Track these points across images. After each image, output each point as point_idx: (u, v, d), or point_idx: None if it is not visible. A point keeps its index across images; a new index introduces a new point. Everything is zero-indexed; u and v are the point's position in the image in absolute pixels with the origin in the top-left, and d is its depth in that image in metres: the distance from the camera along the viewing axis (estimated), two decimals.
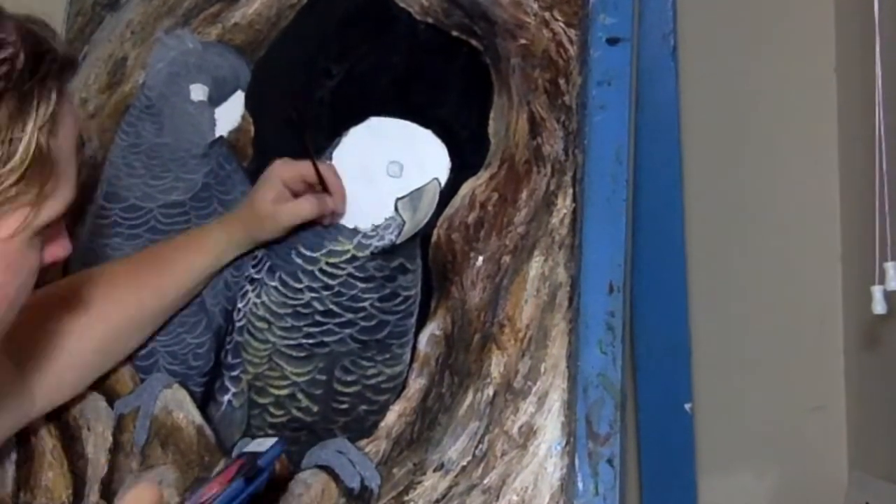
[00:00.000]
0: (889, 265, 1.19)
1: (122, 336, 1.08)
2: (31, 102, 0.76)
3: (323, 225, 1.08)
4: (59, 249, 0.87)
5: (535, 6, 1.09)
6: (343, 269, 1.06)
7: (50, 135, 0.78)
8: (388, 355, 1.04)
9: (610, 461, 0.91)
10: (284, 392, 1.05)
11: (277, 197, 1.06)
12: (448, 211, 1.06)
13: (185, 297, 1.10)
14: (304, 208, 1.05)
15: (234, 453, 0.96)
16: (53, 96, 0.78)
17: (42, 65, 0.77)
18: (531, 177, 1.04)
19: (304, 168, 1.06)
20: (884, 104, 1.23)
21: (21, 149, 0.76)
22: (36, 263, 0.83)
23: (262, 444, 0.92)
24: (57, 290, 1.04)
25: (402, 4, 1.14)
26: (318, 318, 1.06)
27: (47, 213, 0.81)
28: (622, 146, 1.01)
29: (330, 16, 1.18)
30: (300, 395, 1.05)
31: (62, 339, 1.02)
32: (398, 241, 1.06)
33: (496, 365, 0.98)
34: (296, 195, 1.06)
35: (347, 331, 1.05)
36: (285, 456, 1.01)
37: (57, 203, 0.82)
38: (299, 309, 1.06)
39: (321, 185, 1.06)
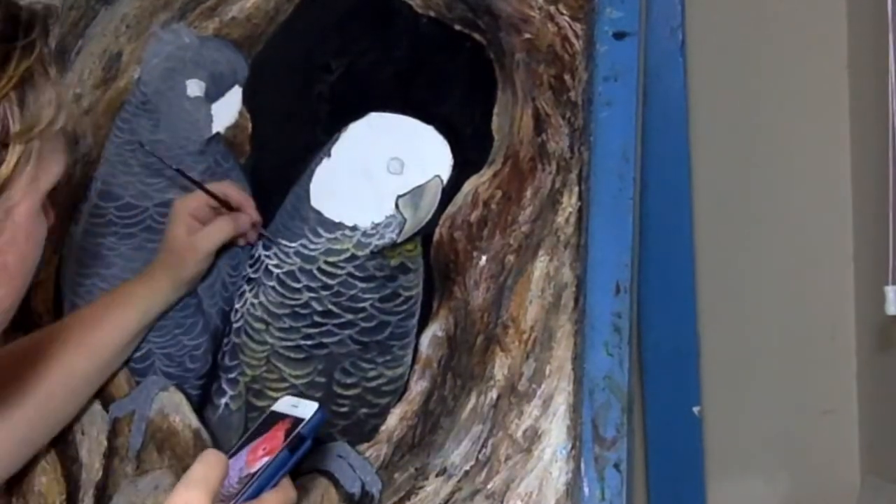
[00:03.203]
0: None
1: (54, 405, 1.06)
2: (9, 65, 0.75)
3: (249, 242, 1.11)
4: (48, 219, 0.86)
5: (541, 0, 1.09)
6: (342, 268, 1.05)
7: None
8: (388, 357, 1.04)
9: (617, 466, 0.91)
10: (283, 395, 1.04)
11: (189, 230, 1.08)
12: (450, 209, 1.06)
13: (119, 355, 1.10)
14: (219, 229, 1.08)
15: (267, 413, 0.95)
16: (32, 57, 0.76)
17: (17, 27, 0.75)
18: (536, 174, 1.04)
19: (202, 196, 1.09)
20: None
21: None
22: (45, 233, 0.83)
23: (299, 407, 0.91)
24: None
25: None
26: (316, 318, 1.05)
27: (47, 179, 0.81)
28: (629, 143, 1.01)
29: (329, 9, 1.18)
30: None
31: None
32: (399, 240, 1.05)
33: (500, 367, 0.98)
34: (205, 224, 1.09)
35: (347, 332, 1.05)
36: None
37: (57, 167, 0.81)
38: (298, 309, 1.06)
39: (226, 206, 1.09)
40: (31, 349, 1.05)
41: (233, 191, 1.10)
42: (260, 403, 1.06)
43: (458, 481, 0.96)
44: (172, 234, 1.09)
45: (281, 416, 0.91)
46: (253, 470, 0.86)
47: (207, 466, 0.82)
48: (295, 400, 0.92)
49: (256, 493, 0.85)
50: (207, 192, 1.09)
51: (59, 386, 1.05)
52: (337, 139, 1.09)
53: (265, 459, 0.86)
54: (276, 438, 0.88)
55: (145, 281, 1.09)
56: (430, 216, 1.05)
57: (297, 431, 0.88)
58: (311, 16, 1.18)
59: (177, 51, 1.18)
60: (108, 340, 1.07)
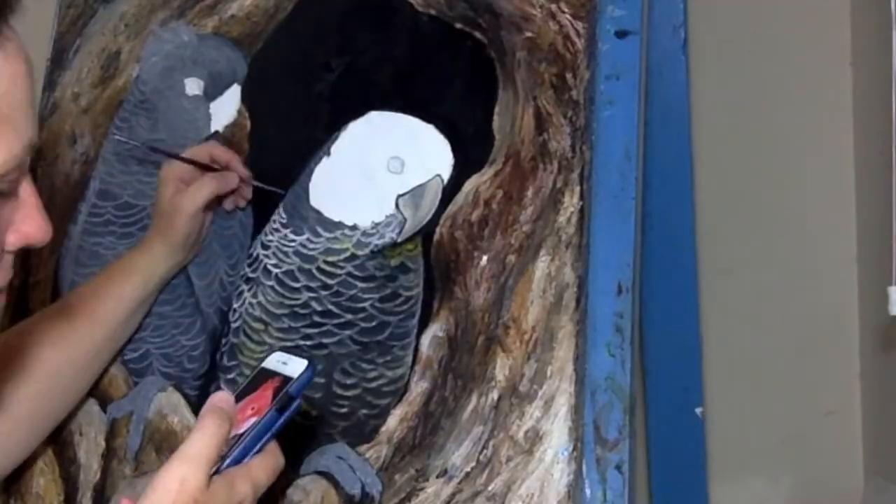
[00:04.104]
0: None
1: (63, 382, 1.06)
2: None
3: (239, 207, 1.11)
4: (32, 230, 0.76)
5: None
6: (342, 267, 1.05)
7: None
8: (389, 357, 1.04)
9: (619, 467, 0.91)
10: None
11: (175, 191, 1.08)
12: (451, 209, 1.05)
13: (124, 326, 1.09)
14: (201, 186, 1.08)
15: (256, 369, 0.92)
16: None
17: None
18: (537, 174, 1.03)
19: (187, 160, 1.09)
20: None
21: None
22: None
23: (289, 364, 0.87)
24: None
25: None
26: (316, 318, 1.05)
27: None
28: (631, 142, 1.01)
29: (329, 7, 1.17)
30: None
31: None
32: (399, 240, 1.05)
33: (501, 368, 0.98)
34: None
35: (347, 332, 1.04)
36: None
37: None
38: (297, 309, 1.05)
39: (208, 168, 1.09)
40: (36, 327, 1.05)
41: (218, 150, 1.10)
42: None
43: (459, 483, 0.96)
44: (160, 198, 1.08)
45: (270, 374, 0.87)
46: (240, 431, 0.83)
47: (207, 438, 0.79)
48: (285, 356, 0.88)
49: (243, 455, 0.82)
50: (186, 160, 1.09)
51: (66, 362, 1.05)
52: (337, 138, 1.09)
53: (253, 420, 0.83)
54: (264, 398, 0.85)
55: (142, 249, 1.09)
56: (430, 216, 1.05)
57: (285, 390, 0.85)
58: (310, 14, 1.18)
59: (176, 49, 1.19)
60: (111, 312, 1.07)
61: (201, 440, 0.79)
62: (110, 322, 1.07)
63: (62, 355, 1.04)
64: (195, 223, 1.09)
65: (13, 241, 0.76)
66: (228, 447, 0.81)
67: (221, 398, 0.83)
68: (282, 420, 0.84)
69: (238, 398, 0.86)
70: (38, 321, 1.07)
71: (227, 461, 0.81)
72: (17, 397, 1.01)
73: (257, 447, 0.83)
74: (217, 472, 0.80)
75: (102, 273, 1.10)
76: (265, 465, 0.83)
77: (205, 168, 1.09)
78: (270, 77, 1.18)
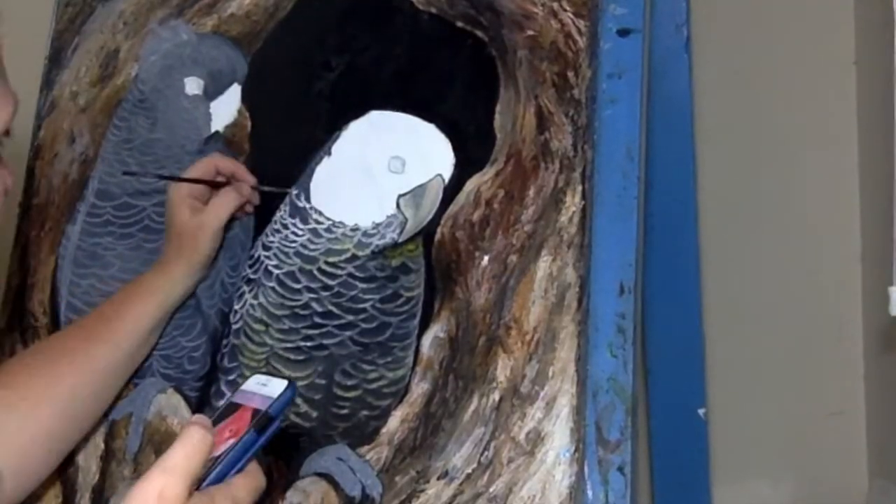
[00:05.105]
0: None
1: (82, 402, 1.05)
2: None
3: (254, 204, 1.11)
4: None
5: None
6: (343, 268, 1.05)
7: None
8: (389, 358, 1.03)
9: (621, 469, 0.91)
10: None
11: (192, 211, 1.08)
12: (452, 208, 1.05)
13: (142, 347, 1.08)
14: (224, 202, 1.08)
15: (234, 392, 0.91)
16: None
17: None
18: (539, 173, 1.03)
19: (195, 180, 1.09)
20: None
21: None
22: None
23: (268, 385, 0.86)
24: None
25: None
26: (316, 319, 1.05)
27: None
28: (633, 141, 1.01)
29: (330, 6, 1.17)
30: (298, 400, 1.04)
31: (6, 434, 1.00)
32: (400, 240, 1.04)
33: (502, 369, 0.98)
34: (205, 202, 1.09)
35: (347, 333, 1.04)
36: (283, 463, 1.01)
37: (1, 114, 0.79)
38: (297, 310, 1.05)
39: (216, 185, 1.09)
40: (54, 347, 1.05)
41: (221, 161, 1.10)
42: None
43: (460, 484, 0.96)
44: (177, 219, 1.08)
45: (249, 396, 0.86)
46: (217, 453, 0.81)
47: (189, 449, 0.78)
48: (264, 378, 0.87)
49: (222, 476, 0.80)
50: (194, 180, 1.08)
51: (84, 382, 1.04)
52: (337, 137, 1.09)
53: (231, 441, 0.82)
54: (242, 419, 0.84)
55: (161, 270, 1.09)
56: (431, 215, 1.05)
57: (264, 411, 0.84)
58: (310, 12, 1.18)
59: (175, 48, 1.19)
60: (129, 333, 1.06)
61: (181, 451, 0.77)
62: (129, 343, 1.07)
63: (81, 376, 1.04)
64: (217, 241, 1.08)
65: None
66: (207, 469, 0.80)
67: (200, 417, 0.82)
68: (261, 440, 0.83)
69: (217, 421, 0.84)
70: (56, 341, 1.07)
71: (206, 482, 0.80)
72: (35, 418, 1.00)
73: (237, 468, 0.82)
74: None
75: (121, 293, 1.09)
76: (246, 484, 0.82)
77: (212, 184, 1.09)
78: (270, 76, 1.18)
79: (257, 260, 1.09)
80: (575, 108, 1.03)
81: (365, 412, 1.03)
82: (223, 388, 1.08)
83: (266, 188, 1.09)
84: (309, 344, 1.04)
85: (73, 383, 1.03)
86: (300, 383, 1.04)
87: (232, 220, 1.10)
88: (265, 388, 0.86)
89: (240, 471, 0.82)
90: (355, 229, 1.05)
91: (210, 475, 0.80)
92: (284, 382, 0.85)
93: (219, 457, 0.81)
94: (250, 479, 0.82)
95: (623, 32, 1.04)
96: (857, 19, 1.53)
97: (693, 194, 1.31)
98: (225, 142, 1.17)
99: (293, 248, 1.07)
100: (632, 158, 1.00)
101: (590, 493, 0.90)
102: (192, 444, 0.78)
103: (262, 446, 0.83)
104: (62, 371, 1.02)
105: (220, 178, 1.10)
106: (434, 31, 1.11)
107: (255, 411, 0.84)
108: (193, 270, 1.08)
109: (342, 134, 1.09)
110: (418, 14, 1.12)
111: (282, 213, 1.09)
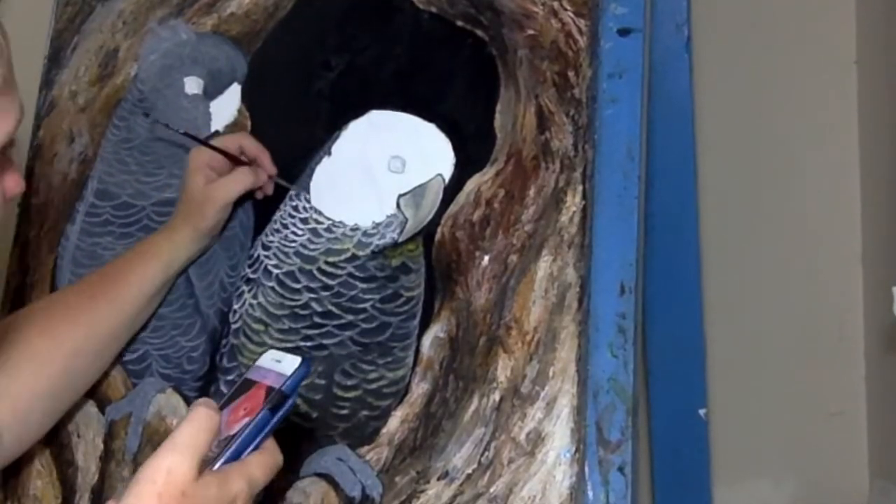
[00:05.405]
0: None
1: (81, 362, 1.06)
2: None
3: (266, 194, 1.11)
4: (13, 184, 0.85)
5: None
6: (343, 268, 1.05)
7: None
8: (390, 359, 1.03)
9: (621, 469, 0.91)
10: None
11: (206, 179, 1.08)
12: (452, 208, 1.05)
13: (143, 309, 1.09)
14: (237, 180, 1.08)
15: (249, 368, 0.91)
16: None
17: None
18: (539, 173, 1.03)
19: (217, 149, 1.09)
20: None
21: None
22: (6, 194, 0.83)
23: (283, 361, 0.86)
24: None
25: None
26: (316, 319, 1.05)
27: None
28: (634, 141, 1.01)
29: (329, 5, 1.17)
30: (299, 401, 1.03)
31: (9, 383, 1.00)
32: (400, 240, 1.05)
33: (503, 369, 0.98)
34: (221, 174, 1.09)
35: (347, 333, 1.04)
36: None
37: (7, 123, 0.80)
38: (297, 310, 1.05)
39: (237, 161, 1.09)
40: (57, 305, 1.06)
41: (248, 143, 1.10)
42: None
43: (460, 485, 0.96)
44: (191, 184, 1.08)
45: (264, 373, 0.86)
46: (232, 432, 0.81)
47: (196, 428, 0.78)
48: (279, 354, 0.87)
49: (237, 455, 0.81)
50: (216, 148, 1.08)
51: (85, 342, 1.05)
52: (337, 137, 1.09)
53: (245, 420, 0.82)
54: (256, 397, 0.84)
55: (167, 233, 1.09)
56: (431, 215, 1.05)
57: (277, 388, 0.83)
58: (310, 12, 1.18)
59: (174, 47, 1.19)
60: (132, 294, 1.07)
61: (188, 430, 0.78)
62: (131, 304, 1.07)
63: (83, 334, 1.04)
64: (224, 213, 1.09)
65: None
66: (221, 448, 0.80)
67: (206, 399, 0.83)
68: (276, 419, 0.83)
69: (231, 398, 0.85)
70: (59, 298, 1.08)
71: (221, 461, 0.80)
72: (37, 374, 1.01)
73: (252, 446, 0.82)
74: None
75: (126, 255, 1.10)
76: (261, 462, 0.82)
77: (233, 159, 1.09)
78: (270, 76, 1.18)
79: (257, 259, 1.09)
80: (575, 108, 1.04)
81: (365, 412, 1.03)
82: (222, 387, 1.08)
83: (283, 182, 1.09)
84: (309, 344, 1.04)
85: (74, 345, 1.04)
86: None
87: (236, 206, 1.09)
88: (279, 364, 0.85)
89: (255, 449, 0.82)
90: (355, 229, 1.05)
91: (225, 454, 0.80)
92: (298, 359, 0.85)
93: (234, 435, 0.81)
94: (266, 457, 0.82)
95: (623, 32, 1.04)
96: (859, 18, 1.52)
97: (693, 194, 1.31)
98: None
99: (293, 247, 1.07)
100: (632, 158, 1.00)
101: (590, 493, 0.91)
102: (199, 422, 0.78)
103: (276, 424, 0.83)
104: (64, 332, 1.03)
105: (243, 158, 1.10)
106: (434, 31, 1.11)
107: (269, 389, 0.83)
108: (198, 236, 1.08)
109: (342, 134, 1.09)
110: (418, 13, 1.12)
111: (281, 212, 1.09)
